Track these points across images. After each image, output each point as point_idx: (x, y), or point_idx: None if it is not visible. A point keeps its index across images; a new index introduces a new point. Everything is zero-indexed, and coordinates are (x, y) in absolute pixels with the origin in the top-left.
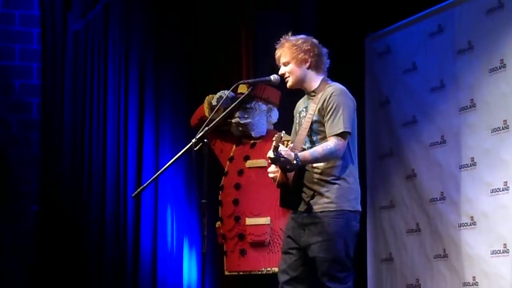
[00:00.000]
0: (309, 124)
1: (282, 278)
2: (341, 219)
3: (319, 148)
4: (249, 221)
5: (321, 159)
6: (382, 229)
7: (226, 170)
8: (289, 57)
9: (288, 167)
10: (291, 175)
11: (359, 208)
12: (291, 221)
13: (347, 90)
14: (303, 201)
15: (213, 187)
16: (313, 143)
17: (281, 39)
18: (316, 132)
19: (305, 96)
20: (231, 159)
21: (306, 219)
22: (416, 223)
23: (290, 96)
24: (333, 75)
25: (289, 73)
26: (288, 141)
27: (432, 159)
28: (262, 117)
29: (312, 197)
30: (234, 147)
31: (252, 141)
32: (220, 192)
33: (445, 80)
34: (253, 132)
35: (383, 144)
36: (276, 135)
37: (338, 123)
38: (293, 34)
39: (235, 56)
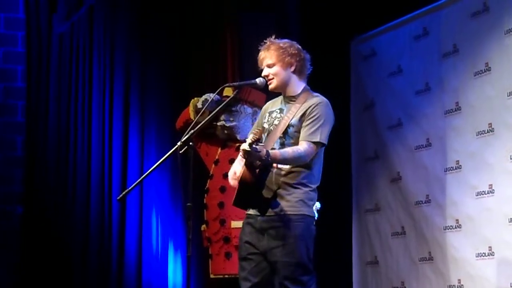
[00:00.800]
0: (285, 126)
1: (245, 285)
2: (302, 222)
3: (289, 150)
4: (235, 224)
5: (289, 161)
6: (368, 232)
7: (211, 173)
8: (275, 59)
9: (257, 162)
10: (255, 173)
11: (315, 214)
12: (246, 226)
13: (329, 103)
14: (262, 202)
15: (198, 190)
16: (283, 146)
17: (265, 41)
18: (290, 136)
19: (280, 98)
20: (216, 162)
21: (265, 223)
22: (402, 226)
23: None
24: (318, 77)
25: (273, 75)
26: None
27: (418, 162)
28: (248, 120)
29: (272, 198)
30: (219, 150)
31: (237, 144)
32: (205, 195)
33: (431, 83)
34: (238, 135)
35: (368, 147)
36: (256, 130)
37: (316, 132)
38: (277, 37)
39: (221, 58)
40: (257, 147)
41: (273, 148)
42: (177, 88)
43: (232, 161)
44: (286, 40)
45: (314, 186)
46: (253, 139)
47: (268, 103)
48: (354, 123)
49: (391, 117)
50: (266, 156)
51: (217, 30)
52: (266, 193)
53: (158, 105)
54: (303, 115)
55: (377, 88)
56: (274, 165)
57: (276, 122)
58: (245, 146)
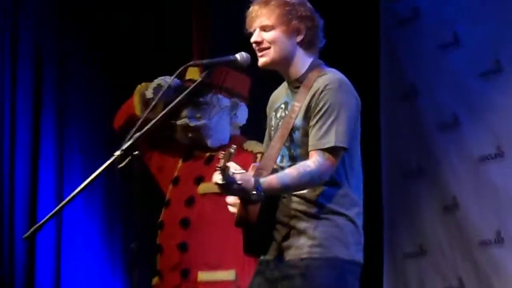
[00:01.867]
0: (288, 130)
1: None
2: (332, 270)
3: (294, 171)
4: (203, 276)
5: (295, 187)
6: (407, 285)
7: (167, 198)
8: (276, 19)
9: (247, 198)
10: (255, 207)
11: (360, 258)
12: (256, 277)
13: (348, 82)
14: (274, 243)
15: (148, 224)
16: (293, 160)
17: None
18: (297, 144)
19: (284, 86)
20: (175, 182)
21: (277, 271)
22: (458, 277)
23: (266, 85)
24: (331, 53)
25: (270, 42)
26: (261, 154)
27: (484, 181)
28: (223, 117)
29: (287, 237)
30: (180, 162)
31: (207, 154)
32: (159, 231)
33: (503, 60)
34: (209, 140)
35: (407, 157)
36: (226, 151)
37: (328, 133)
38: None
39: (181, 22)
40: (236, 176)
41: (281, 168)
42: (114, 67)
43: (199, 180)
44: None
45: (351, 212)
46: (221, 169)
47: (271, 97)
48: (385, 121)
49: (443, 111)
50: (256, 189)
51: None
52: (281, 230)
53: (85, 93)
54: (309, 108)
55: (421, 68)
56: None
57: (280, 125)
58: (216, 177)
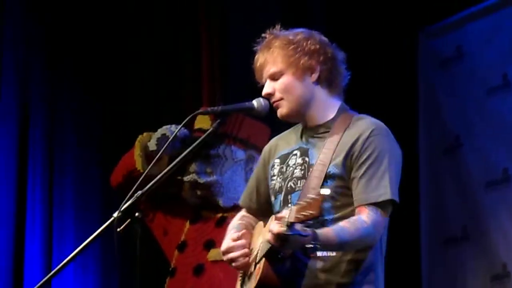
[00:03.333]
0: (320, 181)
1: None
2: None
3: (350, 226)
4: None
5: (352, 245)
6: None
7: (173, 265)
8: (283, 63)
9: (288, 251)
10: (280, 269)
11: None
12: None
13: (390, 130)
14: None
15: None
16: (321, 218)
17: (265, 35)
18: (332, 197)
19: (296, 131)
20: (182, 247)
21: None
22: None
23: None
24: (360, 99)
25: (282, 91)
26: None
27: None
28: (237, 172)
29: None
30: (187, 225)
31: (219, 215)
32: None
33: None
34: (221, 199)
35: (450, 218)
36: (311, 198)
37: (382, 184)
38: (285, 27)
39: (191, 64)
40: (302, 229)
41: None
42: (114, 114)
43: (209, 244)
44: (298, 30)
45: (380, 280)
46: (302, 216)
47: (272, 140)
48: (424, 177)
49: (493, 166)
50: (313, 241)
51: (188, 15)
52: None
53: (80, 145)
54: (349, 156)
55: (466, 115)
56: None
57: (297, 173)
58: (279, 228)
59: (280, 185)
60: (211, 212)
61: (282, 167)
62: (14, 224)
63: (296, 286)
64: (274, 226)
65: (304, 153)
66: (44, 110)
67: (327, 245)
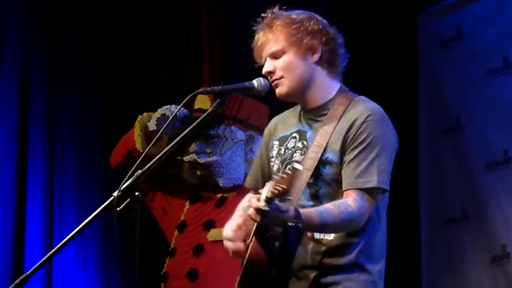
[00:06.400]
0: (314, 164)
1: None
2: None
3: (334, 209)
4: None
5: (333, 227)
6: None
7: (172, 245)
8: (285, 41)
9: (277, 229)
10: (271, 247)
11: None
12: None
13: (387, 116)
14: None
15: (150, 276)
16: (317, 200)
17: (265, 14)
18: (326, 181)
19: (295, 112)
20: (181, 227)
21: None
22: None
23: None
24: (360, 81)
25: (283, 70)
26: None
27: None
28: (237, 153)
29: None
30: (187, 205)
31: (218, 195)
32: (163, 284)
33: None
34: (220, 179)
35: (450, 200)
36: (290, 169)
37: (370, 171)
38: (285, 7)
39: (191, 44)
40: (281, 204)
41: (301, 207)
42: (114, 94)
43: (209, 224)
44: (300, 10)
45: (377, 268)
46: (275, 191)
47: (272, 121)
48: (424, 159)
49: (494, 148)
50: (295, 219)
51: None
52: (296, 284)
53: (80, 124)
54: (345, 140)
55: (467, 96)
56: (309, 234)
57: (296, 157)
58: (260, 203)
59: (278, 167)
60: (211, 192)
61: (281, 149)
62: (14, 203)
63: (285, 266)
64: (253, 201)
65: (302, 135)
66: (44, 91)
67: (309, 225)
